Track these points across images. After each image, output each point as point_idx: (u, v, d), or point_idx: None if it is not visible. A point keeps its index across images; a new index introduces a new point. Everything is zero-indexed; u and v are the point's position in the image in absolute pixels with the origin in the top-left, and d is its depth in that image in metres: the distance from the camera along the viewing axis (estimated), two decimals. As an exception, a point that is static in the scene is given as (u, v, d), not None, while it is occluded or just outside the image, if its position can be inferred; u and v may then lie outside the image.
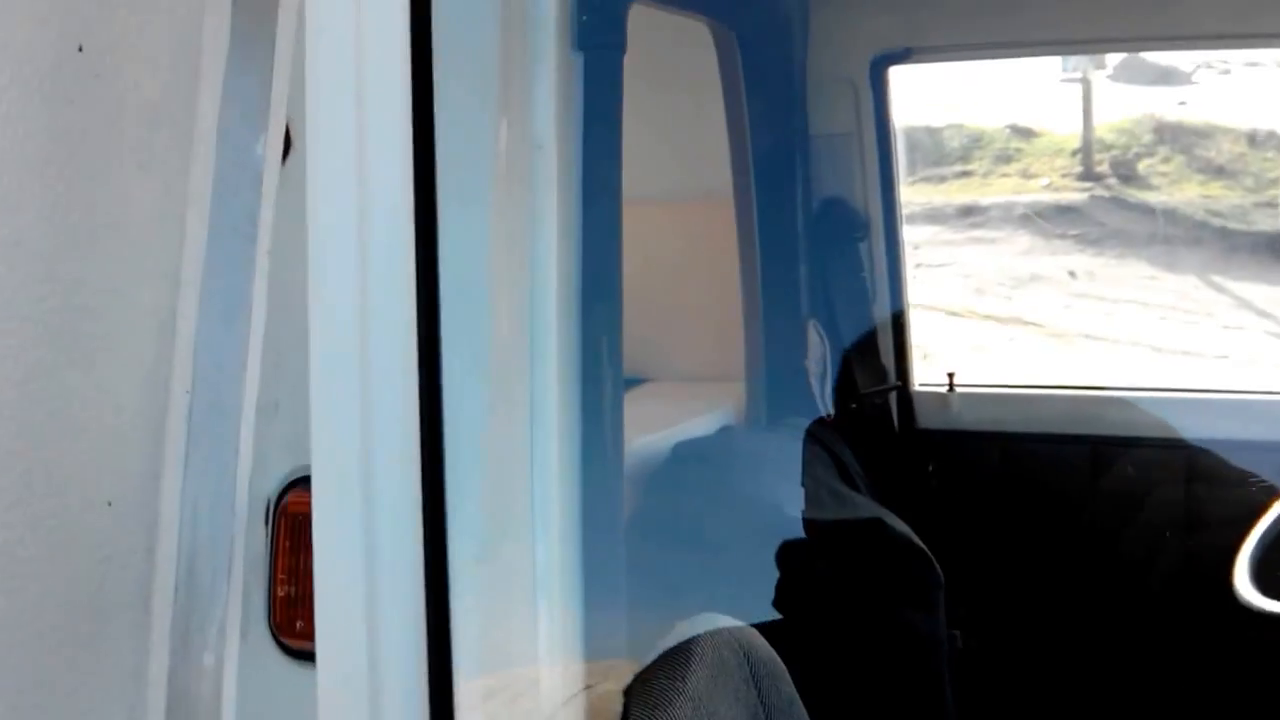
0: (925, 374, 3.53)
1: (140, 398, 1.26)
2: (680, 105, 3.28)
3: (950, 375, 3.50)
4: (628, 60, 3.34)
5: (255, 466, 1.27)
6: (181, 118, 1.25)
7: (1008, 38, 3.13)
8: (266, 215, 1.26)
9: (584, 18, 1.26)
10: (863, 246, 3.46)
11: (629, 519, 2.92)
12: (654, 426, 3.13)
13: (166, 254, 1.26)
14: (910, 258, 3.69)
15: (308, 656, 1.23)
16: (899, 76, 3.26)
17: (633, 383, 3.47)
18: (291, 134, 1.28)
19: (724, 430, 3.24)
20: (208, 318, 1.27)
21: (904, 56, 3.11)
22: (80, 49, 1.13)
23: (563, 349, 1.24)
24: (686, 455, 3.06)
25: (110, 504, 1.22)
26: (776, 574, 2.72)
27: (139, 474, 1.26)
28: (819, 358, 3.40)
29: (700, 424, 3.24)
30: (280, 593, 1.21)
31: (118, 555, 1.24)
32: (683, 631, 2.22)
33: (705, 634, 2.19)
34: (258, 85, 1.26)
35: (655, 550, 2.79)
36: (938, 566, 2.88)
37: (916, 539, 2.93)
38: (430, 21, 1.01)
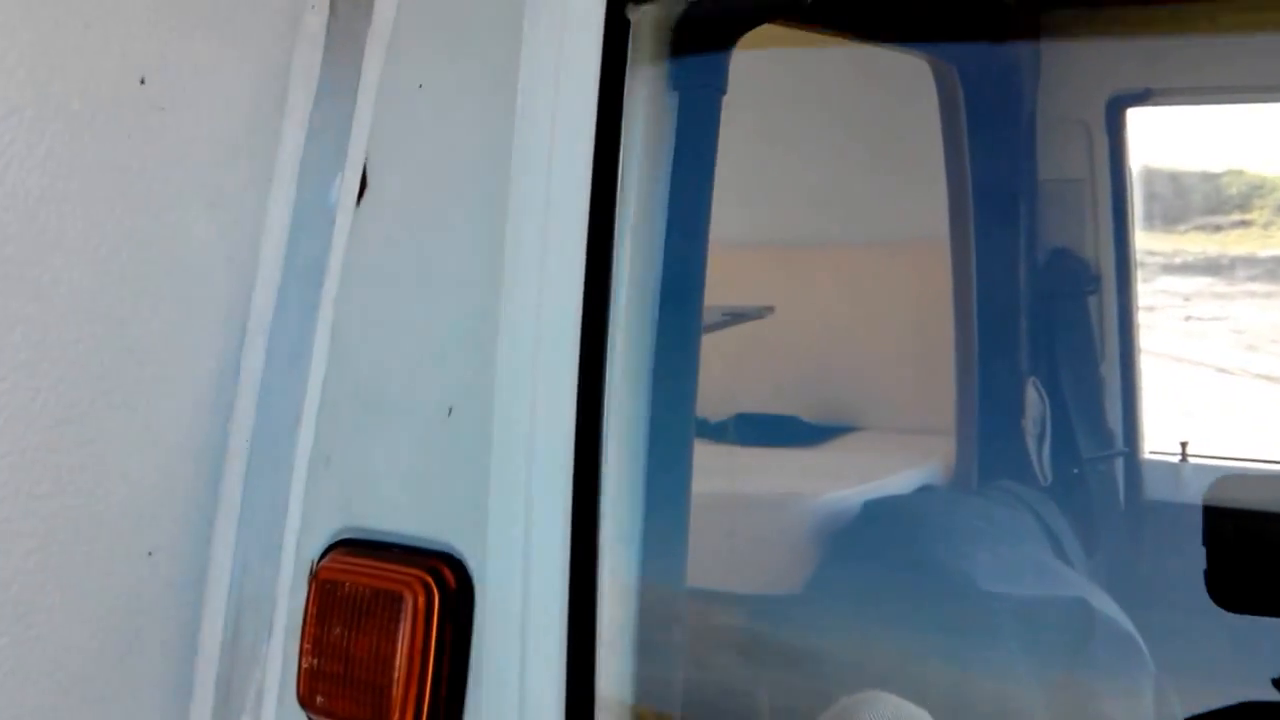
0: (1186, 432, 3.16)
1: (196, 445, 1.16)
2: (898, 144, 3.06)
3: (1183, 444, 3.11)
4: (843, 96, 3.14)
5: (304, 524, 1.15)
6: (261, 154, 1.15)
7: (1266, 82, 2.73)
8: (335, 261, 1.15)
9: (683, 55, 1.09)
10: (1092, 300, 3.12)
11: (809, 578, 2.71)
12: (852, 480, 2.95)
13: (235, 297, 1.16)
14: (1179, 310, 3.34)
15: (335, 732, 1.11)
16: (1152, 118, 2.91)
17: (842, 431, 3.26)
18: (368, 175, 1.16)
19: (922, 490, 2.99)
20: (273, 365, 1.17)
21: (1143, 98, 2.76)
22: (142, 81, 1.05)
23: (632, 401, 1.08)
24: (877, 515, 2.84)
25: (151, 554, 1.13)
26: (958, 653, 2.45)
27: (187, 523, 1.17)
28: (1037, 418, 3.09)
29: (898, 481, 3.01)
30: (305, 664, 1.09)
31: (158, 607, 1.15)
32: (845, 709, 1.99)
33: (869, 713, 1.97)
34: (341, 122, 1.15)
35: (831, 614, 2.57)
36: (1148, 654, 2.53)
37: (1126, 622, 2.58)
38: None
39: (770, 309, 2.92)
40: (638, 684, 1.08)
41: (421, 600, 1.06)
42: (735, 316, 2.81)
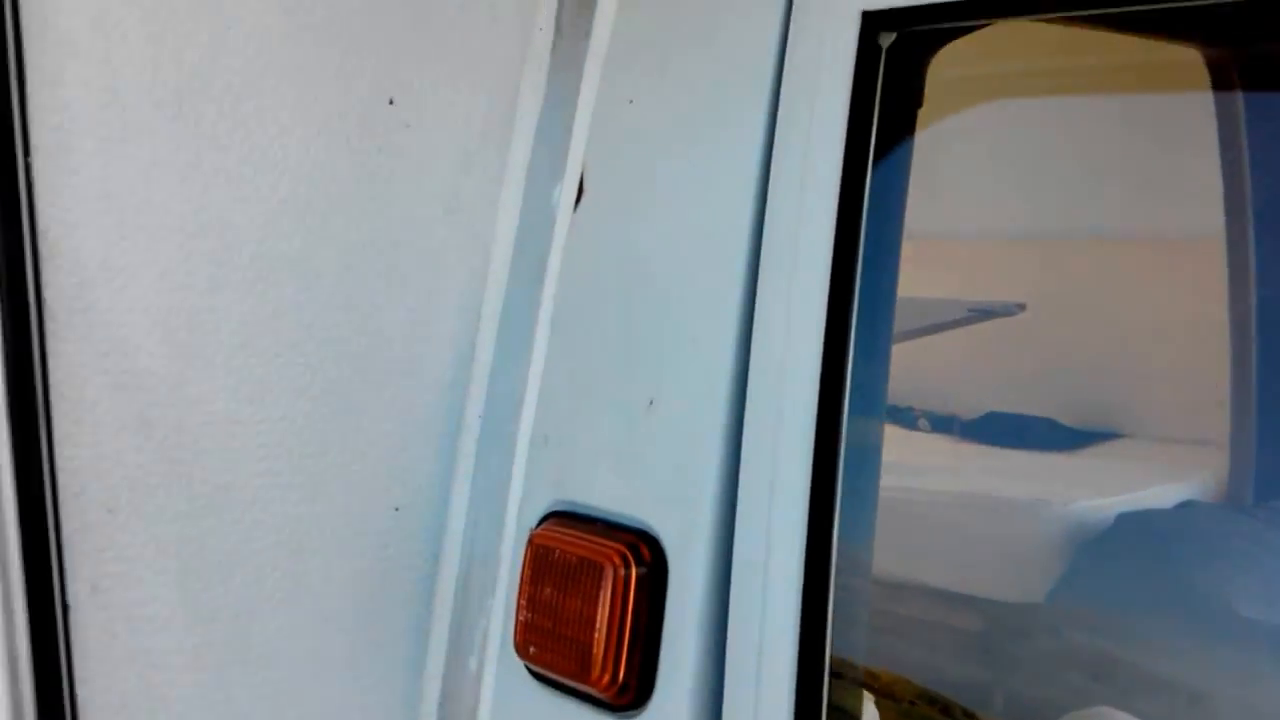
0: None
1: (434, 417, 1.31)
2: (1167, 134, 2.88)
3: None
4: (1107, 84, 2.98)
5: (524, 495, 1.28)
6: (493, 164, 1.29)
7: None
8: (555, 259, 1.27)
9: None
10: (1393, 304, 2.83)
11: (1053, 588, 2.61)
12: (1110, 489, 2.81)
13: (470, 291, 1.31)
14: None
15: (542, 679, 1.23)
16: None
17: (1101, 436, 3.11)
18: (585, 181, 1.27)
19: (1184, 505, 2.81)
20: (502, 353, 1.31)
21: None
22: (391, 102, 1.20)
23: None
24: (1129, 528, 2.69)
25: (397, 509, 1.29)
26: (1206, 679, 2.31)
27: (427, 486, 1.32)
28: (1322, 433, 2.84)
29: (1160, 494, 2.85)
30: (520, 618, 1.22)
31: (402, 555, 1.31)
32: (1072, 723, 1.95)
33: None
34: (562, 133, 1.27)
35: (1072, 626, 2.48)
36: None
37: None
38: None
39: (1022, 306, 2.83)
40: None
41: (621, 571, 1.16)
42: (983, 313, 2.74)
